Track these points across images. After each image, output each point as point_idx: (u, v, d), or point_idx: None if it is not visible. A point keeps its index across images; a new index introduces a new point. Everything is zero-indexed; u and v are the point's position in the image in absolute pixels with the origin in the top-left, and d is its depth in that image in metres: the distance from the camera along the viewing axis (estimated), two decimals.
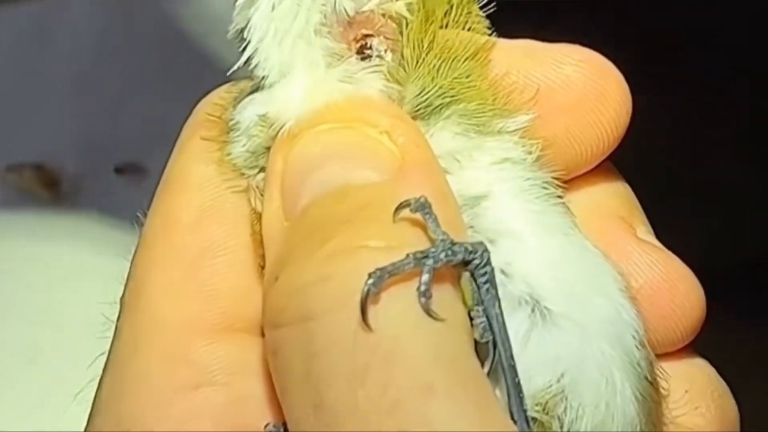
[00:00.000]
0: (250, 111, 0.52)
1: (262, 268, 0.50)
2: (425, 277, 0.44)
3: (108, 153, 1.21)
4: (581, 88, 0.53)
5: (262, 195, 0.51)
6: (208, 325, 0.50)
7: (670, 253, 0.55)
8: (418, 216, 0.46)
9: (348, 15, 0.52)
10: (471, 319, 0.47)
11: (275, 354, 0.46)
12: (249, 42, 0.52)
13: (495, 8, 0.54)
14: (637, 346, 0.51)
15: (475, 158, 0.51)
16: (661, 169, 0.91)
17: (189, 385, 0.49)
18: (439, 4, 0.53)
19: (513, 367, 0.47)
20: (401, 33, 0.52)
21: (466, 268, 0.47)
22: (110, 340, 0.53)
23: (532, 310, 0.49)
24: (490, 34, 0.54)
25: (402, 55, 0.52)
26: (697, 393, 0.55)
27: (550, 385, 0.48)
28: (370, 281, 0.44)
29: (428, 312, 0.44)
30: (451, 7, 0.53)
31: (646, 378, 0.51)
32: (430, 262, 0.45)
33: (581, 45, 0.54)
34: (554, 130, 0.53)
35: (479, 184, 0.51)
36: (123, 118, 1.23)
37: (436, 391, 0.43)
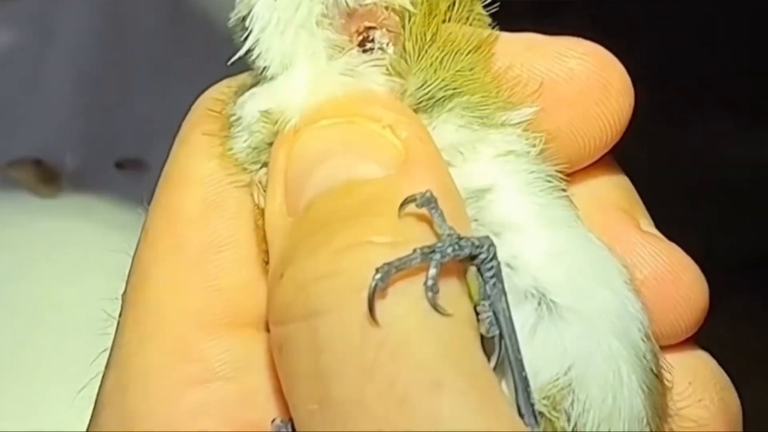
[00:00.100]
0: (251, 106, 0.52)
1: (266, 263, 0.50)
2: (432, 271, 0.44)
3: (108, 148, 1.21)
4: (585, 81, 0.53)
5: (264, 190, 0.51)
6: (212, 320, 0.50)
7: (673, 244, 0.55)
8: (423, 211, 0.46)
9: (350, 7, 0.52)
10: (477, 314, 0.47)
11: (281, 350, 0.46)
12: (251, 31, 0.52)
13: (498, 8, 0.54)
14: (642, 339, 0.50)
15: (479, 151, 0.51)
16: (661, 165, 0.91)
17: (195, 380, 0.49)
18: None
19: (520, 361, 0.47)
20: (403, 26, 0.52)
21: (472, 262, 0.47)
22: (112, 336, 0.52)
23: (539, 304, 0.49)
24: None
25: (404, 48, 0.52)
26: (700, 385, 0.55)
27: (557, 379, 0.48)
28: (377, 276, 0.44)
29: (435, 307, 0.44)
30: (454, 2, 0.53)
31: (652, 370, 0.51)
32: (437, 256, 0.45)
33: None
34: (557, 123, 0.53)
35: (483, 177, 0.50)
36: (123, 113, 1.23)
37: (443, 387, 0.42)
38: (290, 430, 0.47)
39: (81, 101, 1.23)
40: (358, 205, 0.47)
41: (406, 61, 0.51)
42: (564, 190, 0.52)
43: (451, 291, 0.45)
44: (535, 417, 0.47)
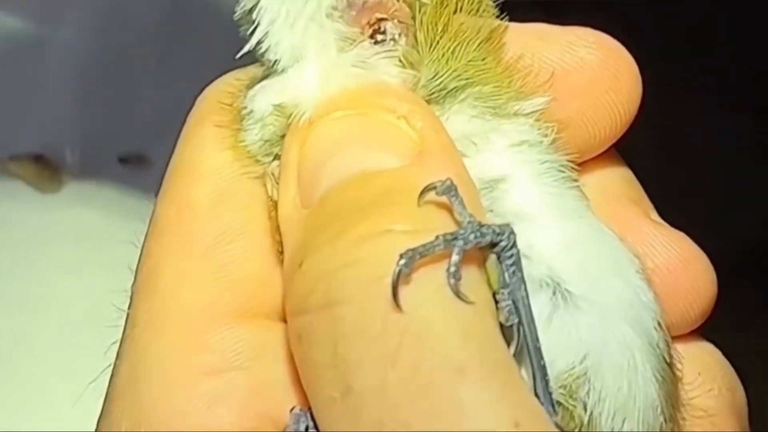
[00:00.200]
0: (264, 100, 0.52)
1: (281, 253, 0.50)
2: (455, 258, 0.44)
3: (111, 143, 1.20)
4: (595, 70, 0.53)
5: (277, 183, 0.51)
6: (227, 310, 0.50)
7: (683, 234, 0.55)
8: (443, 199, 0.46)
9: None
10: (496, 302, 0.47)
11: (300, 339, 0.46)
12: (258, 24, 0.52)
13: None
14: (655, 328, 0.51)
15: (492, 141, 0.51)
16: (660, 160, 0.92)
17: (209, 369, 0.48)
18: None
19: (539, 350, 0.47)
20: (414, 17, 0.52)
21: (492, 250, 0.47)
22: (121, 328, 0.52)
23: (554, 293, 0.49)
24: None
25: (415, 39, 0.52)
26: (709, 376, 0.55)
27: (573, 367, 0.48)
28: (402, 262, 0.44)
29: (458, 294, 0.44)
30: None
31: (665, 359, 0.51)
32: (460, 243, 0.45)
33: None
34: (568, 113, 0.53)
35: (497, 167, 0.51)
36: (126, 107, 1.22)
37: (467, 373, 0.42)
38: (309, 418, 0.47)
39: (83, 96, 1.22)
40: (375, 195, 0.47)
41: (418, 52, 0.51)
42: (575, 180, 0.52)
43: (471, 279, 0.45)
44: (553, 406, 0.47)
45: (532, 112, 0.52)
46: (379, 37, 0.52)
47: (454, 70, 0.51)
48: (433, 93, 0.51)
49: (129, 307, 0.52)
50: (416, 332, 0.43)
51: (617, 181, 0.56)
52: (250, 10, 0.52)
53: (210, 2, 1.22)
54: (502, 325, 0.46)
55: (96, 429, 0.51)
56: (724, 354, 0.57)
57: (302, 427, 0.47)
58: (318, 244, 0.46)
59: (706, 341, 0.57)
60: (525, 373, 0.47)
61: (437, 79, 0.51)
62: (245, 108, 0.52)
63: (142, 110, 1.20)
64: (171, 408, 0.48)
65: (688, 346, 0.55)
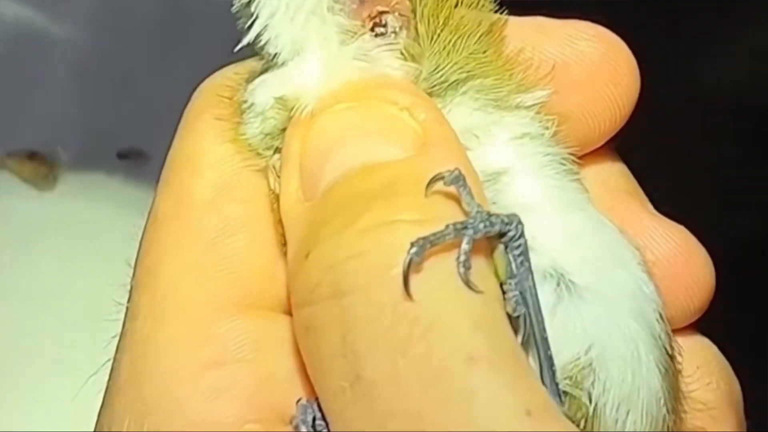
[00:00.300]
0: (264, 93, 0.52)
1: (284, 246, 0.50)
2: (466, 247, 0.44)
3: (110, 138, 1.20)
4: (596, 63, 0.54)
5: (278, 176, 0.51)
6: (230, 302, 0.49)
7: (682, 227, 0.56)
8: (451, 189, 0.46)
9: None
10: (503, 292, 0.47)
11: (307, 330, 0.46)
12: (257, 17, 0.52)
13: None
14: (657, 319, 0.51)
15: (494, 134, 0.51)
16: (660, 160, 0.92)
17: (213, 361, 0.48)
18: None
19: (546, 340, 0.47)
20: (414, 10, 0.52)
21: (500, 240, 0.47)
22: (120, 322, 0.52)
23: (558, 284, 0.49)
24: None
25: (416, 32, 0.52)
26: (707, 370, 0.55)
27: (578, 358, 0.48)
28: (413, 250, 0.43)
29: (468, 283, 0.44)
30: None
31: (667, 351, 0.51)
32: (470, 232, 0.45)
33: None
34: (569, 106, 0.53)
35: (499, 159, 0.51)
36: (126, 103, 1.22)
37: (478, 362, 0.42)
38: (316, 409, 0.47)
39: (82, 92, 1.22)
40: (381, 186, 0.47)
41: (419, 44, 0.51)
42: (576, 173, 0.53)
43: (480, 269, 0.45)
44: (560, 396, 0.47)
45: (533, 105, 0.52)
46: (380, 30, 0.52)
47: (456, 63, 0.51)
48: (434, 86, 0.51)
49: (129, 301, 0.51)
50: (427, 321, 0.43)
51: (615, 175, 0.57)
52: (248, 3, 0.52)
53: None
54: (508, 316, 0.46)
55: (96, 423, 0.51)
56: (721, 350, 0.57)
57: (309, 418, 0.47)
58: (324, 236, 0.46)
59: (702, 336, 0.57)
60: (532, 363, 0.47)
61: (438, 72, 0.51)
62: (246, 101, 0.52)
63: (141, 105, 1.20)
64: (174, 400, 0.48)
65: (686, 339, 0.55)
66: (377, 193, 0.46)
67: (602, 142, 0.56)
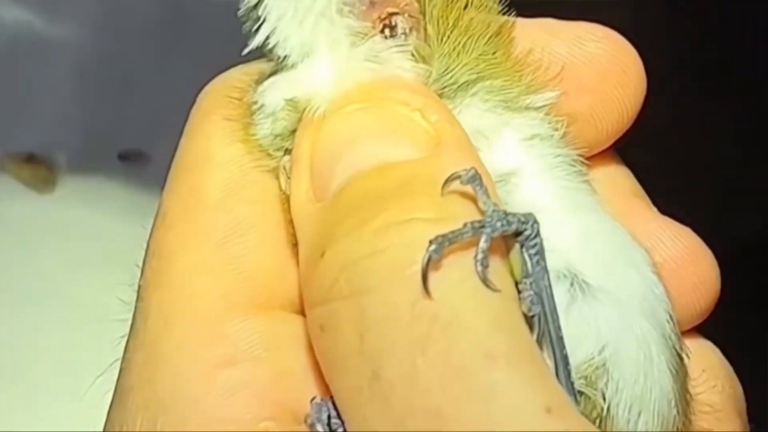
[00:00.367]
0: (274, 94, 0.52)
1: (295, 246, 0.50)
2: (484, 245, 0.44)
3: (111, 140, 1.20)
4: (604, 65, 0.54)
5: (288, 177, 0.51)
6: (241, 301, 0.49)
7: (689, 229, 0.56)
8: (467, 188, 0.46)
9: None
10: (518, 292, 0.47)
11: (323, 329, 0.46)
12: (264, 20, 0.52)
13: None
14: (668, 320, 0.51)
15: (505, 135, 0.51)
16: (660, 160, 0.92)
17: (226, 360, 0.48)
18: None
19: (561, 339, 0.47)
20: (423, 12, 0.52)
21: (516, 239, 0.47)
22: (127, 322, 0.52)
23: (571, 284, 0.49)
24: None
25: (426, 33, 0.52)
26: (712, 373, 0.55)
27: (592, 358, 0.48)
28: (432, 248, 0.43)
29: (485, 282, 0.44)
30: None
31: (677, 352, 0.51)
32: (488, 230, 0.45)
33: None
34: (577, 107, 0.53)
35: (509, 160, 0.51)
36: (126, 104, 1.22)
37: (497, 359, 0.42)
38: (331, 407, 0.47)
39: (82, 93, 1.22)
40: (396, 185, 0.47)
41: (429, 46, 0.51)
42: (585, 174, 0.53)
43: (496, 267, 0.45)
44: (575, 395, 0.47)
45: (542, 106, 0.52)
46: (390, 31, 0.52)
47: (466, 64, 0.51)
48: (444, 87, 0.51)
49: (138, 301, 0.51)
50: (446, 319, 0.43)
51: (619, 177, 0.57)
52: (255, 6, 0.52)
53: (208, 0, 1.22)
54: (524, 316, 0.46)
55: (106, 423, 0.50)
56: (722, 350, 0.57)
57: (324, 416, 0.47)
58: (339, 235, 0.46)
59: (705, 339, 0.57)
60: (548, 362, 0.47)
61: (449, 73, 0.51)
62: (255, 103, 0.52)
63: (141, 106, 1.20)
64: (189, 398, 0.47)
65: (691, 342, 0.55)
66: (393, 192, 0.46)
67: (608, 144, 0.56)
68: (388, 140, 0.48)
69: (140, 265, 0.52)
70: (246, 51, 0.53)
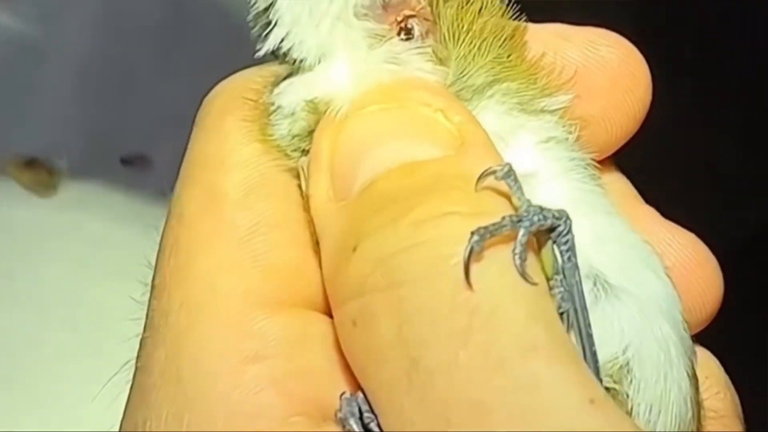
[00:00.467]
0: (292, 96, 0.52)
1: (317, 244, 0.50)
2: (522, 239, 0.45)
3: (113, 144, 1.19)
4: (616, 70, 0.55)
5: (306, 177, 0.51)
6: (265, 298, 0.49)
7: (694, 234, 0.57)
8: (501, 184, 0.46)
9: None
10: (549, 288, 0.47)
11: (355, 323, 0.46)
12: (276, 24, 0.52)
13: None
14: (682, 322, 0.52)
15: (521, 137, 0.51)
16: (660, 160, 0.93)
17: (255, 355, 0.47)
18: None
19: (591, 336, 0.47)
20: (438, 15, 0.52)
21: (549, 235, 0.47)
22: (141, 320, 0.52)
23: (594, 284, 0.49)
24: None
25: (442, 36, 0.52)
26: (715, 379, 0.56)
27: (616, 357, 0.49)
28: (474, 239, 0.44)
29: (523, 275, 0.44)
30: None
31: (692, 354, 0.52)
32: (526, 224, 0.45)
33: None
34: (589, 111, 0.54)
35: (527, 163, 0.51)
36: (128, 108, 1.21)
37: (539, 351, 0.43)
38: (362, 402, 0.46)
39: (84, 97, 1.21)
40: (427, 181, 0.47)
41: (446, 48, 0.52)
42: (599, 177, 0.53)
43: (531, 262, 0.45)
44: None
45: (557, 109, 0.53)
46: (406, 34, 0.52)
47: (482, 67, 0.52)
48: (461, 89, 0.51)
49: (154, 299, 0.50)
50: (487, 310, 0.43)
51: (619, 181, 0.58)
52: (265, 10, 0.52)
53: (210, 2, 1.21)
54: None
55: (124, 422, 0.49)
56: (721, 350, 0.58)
57: (356, 411, 0.46)
58: (372, 229, 0.46)
59: (703, 348, 0.58)
60: None
61: (465, 75, 0.51)
62: (272, 104, 0.52)
63: (144, 109, 1.19)
64: (218, 394, 0.47)
65: None
66: (426, 188, 0.46)
67: (616, 148, 0.56)
68: (412, 140, 0.49)
69: (152, 263, 0.52)
70: (261, 54, 0.53)
